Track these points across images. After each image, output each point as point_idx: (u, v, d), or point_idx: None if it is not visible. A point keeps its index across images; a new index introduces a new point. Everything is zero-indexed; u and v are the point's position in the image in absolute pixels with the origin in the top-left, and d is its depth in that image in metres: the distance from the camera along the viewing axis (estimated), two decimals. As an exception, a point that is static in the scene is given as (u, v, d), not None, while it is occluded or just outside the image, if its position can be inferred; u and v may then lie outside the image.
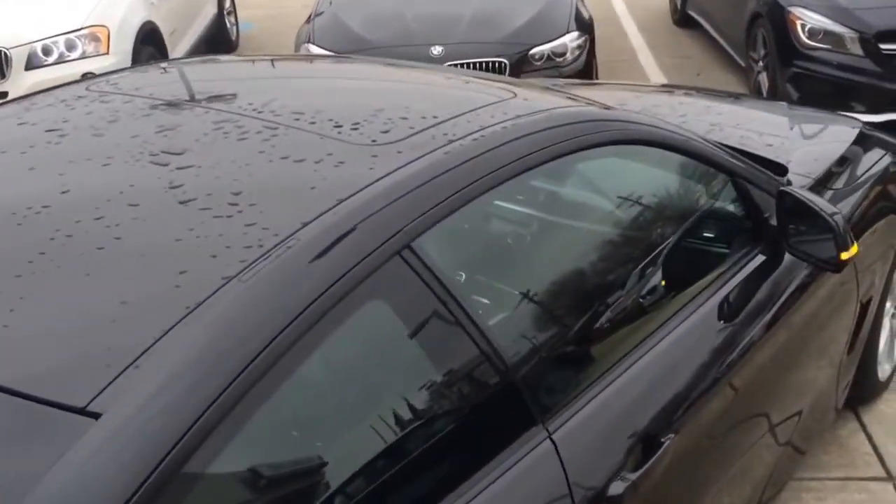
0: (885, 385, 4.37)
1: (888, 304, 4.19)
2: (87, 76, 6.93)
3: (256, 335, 1.74)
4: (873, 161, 3.97)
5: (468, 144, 2.30)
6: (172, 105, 2.55)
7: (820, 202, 2.97)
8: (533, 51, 7.27)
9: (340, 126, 2.35)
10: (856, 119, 4.46)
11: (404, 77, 3.21)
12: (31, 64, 6.98)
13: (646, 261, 2.78)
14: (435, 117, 2.43)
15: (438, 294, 2.06)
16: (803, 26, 7.21)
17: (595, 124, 2.68)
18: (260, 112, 2.43)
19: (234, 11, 10.43)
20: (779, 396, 3.13)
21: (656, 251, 2.80)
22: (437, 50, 7.15)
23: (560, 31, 7.45)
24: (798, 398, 3.31)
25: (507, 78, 4.46)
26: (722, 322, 2.80)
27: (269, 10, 11.06)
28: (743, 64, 8.31)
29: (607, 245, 2.86)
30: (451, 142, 2.29)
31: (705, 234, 2.94)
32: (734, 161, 3.07)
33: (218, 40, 9.85)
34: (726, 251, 2.96)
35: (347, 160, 2.21)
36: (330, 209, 1.99)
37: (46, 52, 7.06)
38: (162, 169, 2.16)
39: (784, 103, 4.93)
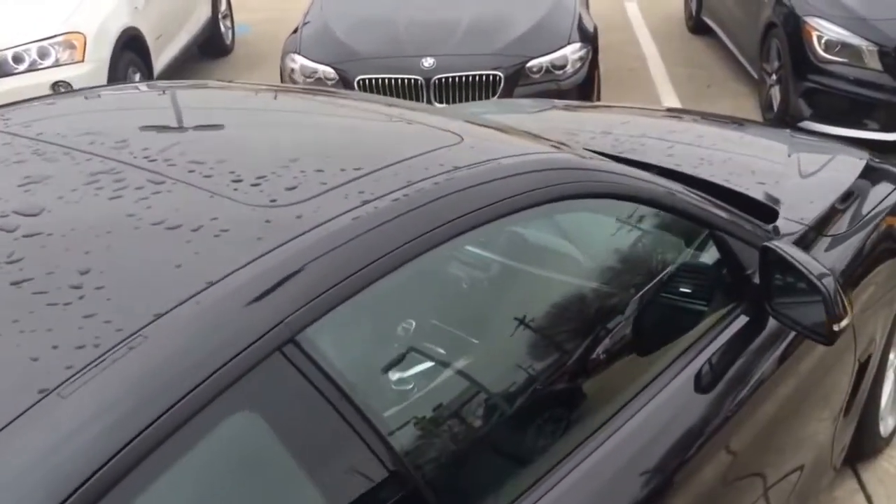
0: (887, 441, 4.01)
1: (892, 356, 3.84)
2: (58, 85, 6.72)
3: (76, 466, 1.39)
4: (880, 197, 3.62)
5: (385, 206, 1.93)
6: (54, 148, 2.16)
7: (807, 261, 2.55)
8: (530, 63, 6.90)
9: (240, 181, 1.98)
10: (862, 150, 4.10)
11: (342, 114, 2.83)
12: (1, 72, 6.72)
13: (592, 337, 2.42)
14: (357, 169, 2.06)
15: (329, 396, 1.70)
16: (819, 38, 6.85)
17: (549, 175, 2.30)
18: (153, 160, 2.06)
19: (229, 15, 10.12)
20: (770, 464, 2.80)
21: (604, 330, 2.45)
22: (428, 62, 6.80)
23: (561, 42, 7.06)
24: (789, 464, 2.95)
25: (464, 114, 4.06)
26: (695, 396, 2.45)
27: (268, 14, 10.73)
28: (756, 76, 7.93)
29: (553, 319, 2.47)
30: (365, 202, 1.93)
31: (681, 292, 2.59)
32: (713, 212, 2.71)
33: (212, 44, 9.60)
34: (704, 309, 2.61)
35: (233, 227, 1.84)
36: (193, 296, 1.63)
37: (17, 59, 6.80)
38: (5, 237, 1.79)
39: (787, 131, 4.55)
